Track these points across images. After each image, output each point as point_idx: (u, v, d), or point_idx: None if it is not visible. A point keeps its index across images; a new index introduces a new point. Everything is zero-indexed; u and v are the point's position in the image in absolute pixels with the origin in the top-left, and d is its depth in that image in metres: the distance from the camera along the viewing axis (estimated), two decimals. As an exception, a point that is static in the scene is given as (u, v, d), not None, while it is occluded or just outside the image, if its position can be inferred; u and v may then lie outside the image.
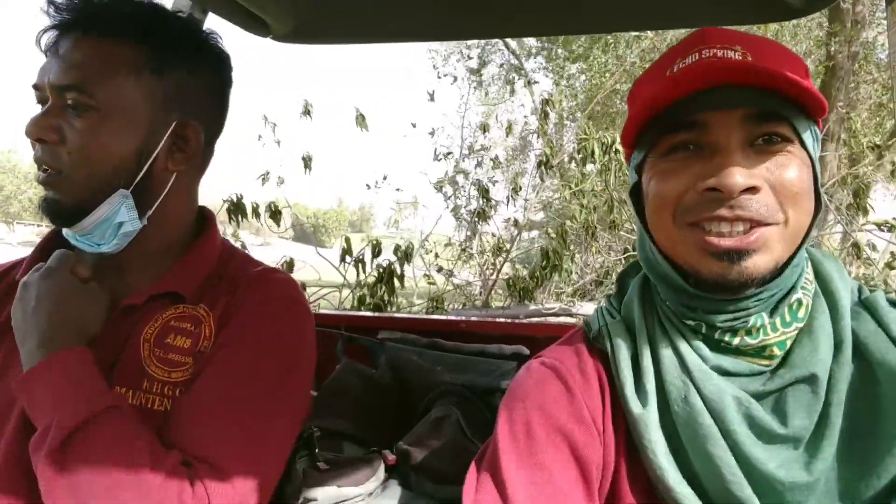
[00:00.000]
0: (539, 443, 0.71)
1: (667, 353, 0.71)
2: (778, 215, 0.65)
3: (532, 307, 3.72)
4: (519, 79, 4.35)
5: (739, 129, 0.66)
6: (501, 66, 4.32)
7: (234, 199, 3.53)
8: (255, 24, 1.47)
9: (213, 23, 1.44)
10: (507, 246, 4.35)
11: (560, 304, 3.89)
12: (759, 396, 0.68)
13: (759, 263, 0.65)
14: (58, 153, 0.83)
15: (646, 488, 0.70)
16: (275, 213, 3.85)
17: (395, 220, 4.84)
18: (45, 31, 0.86)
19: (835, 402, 0.66)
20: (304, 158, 4.09)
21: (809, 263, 0.74)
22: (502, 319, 2.05)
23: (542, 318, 3.19)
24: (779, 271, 0.68)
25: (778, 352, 0.69)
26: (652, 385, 0.70)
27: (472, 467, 0.75)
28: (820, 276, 0.74)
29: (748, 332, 0.69)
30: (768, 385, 0.68)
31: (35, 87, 0.85)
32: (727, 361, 0.70)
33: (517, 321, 1.93)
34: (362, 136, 4.22)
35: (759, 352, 0.70)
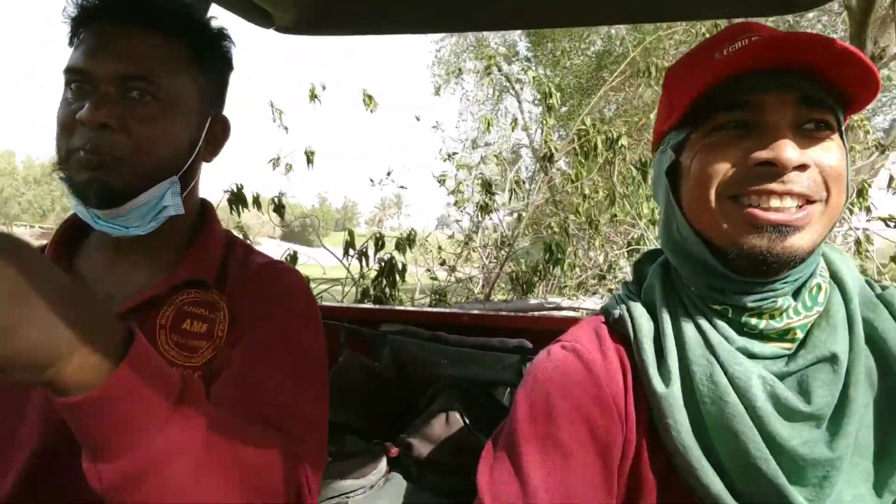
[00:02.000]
0: (558, 424, 0.71)
1: (691, 334, 0.72)
2: (822, 193, 0.67)
3: (534, 301, 3.72)
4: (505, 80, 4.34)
5: (792, 111, 0.67)
6: (487, 68, 4.31)
7: (235, 189, 3.51)
8: (258, 15, 1.46)
9: (215, 14, 1.44)
10: (509, 240, 4.34)
11: (563, 298, 3.89)
12: (782, 377, 0.69)
13: (802, 241, 0.66)
14: (118, 140, 0.84)
15: (666, 469, 0.71)
16: (279, 207, 3.83)
17: (379, 218, 4.84)
18: (89, 20, 0.87)
19: (853, 381, 0.67)
20: (306, 153, 4.07)
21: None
22: (505, 313, 2.04)
23: (545, 312, 3.19)
24: (812, 250, 0.69)
25: (800, 335, 0.71)
26: (675, 365, 0.71)
27: (488, 446, 0.76)
28: (830, 266, 0.77)
29: (772, 316, 0.70)
30: (791, 366, 0.69)
31: (81, 71, 0.86)
32: (751, 344, 0.71)
33: (520, 314, 1.93)
34: (366, 131, 4.22)
35: (783, 335, 0.71)
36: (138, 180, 0.86)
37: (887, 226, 3.83)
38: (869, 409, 0.69)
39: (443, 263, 4.36)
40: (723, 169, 0.69)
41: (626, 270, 4.30)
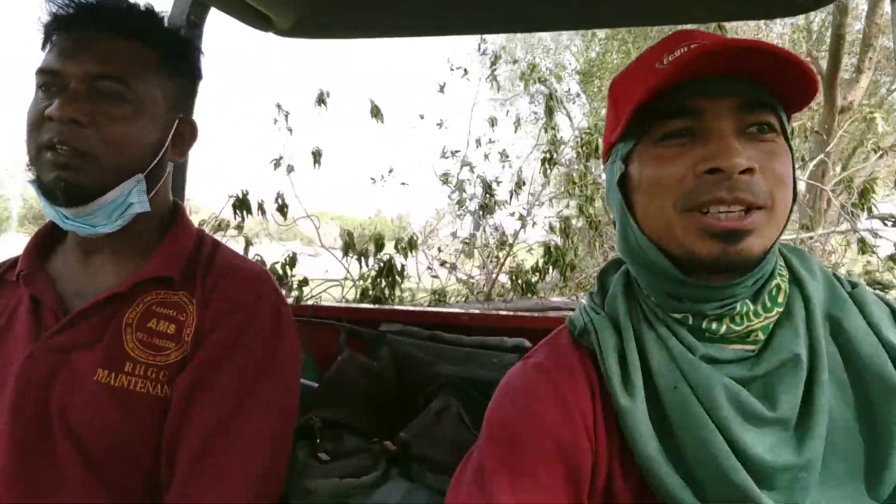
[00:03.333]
0: (524, 447, 0.71)
1: (653, 346, 0.72)
2: (768, 199, 0.67)
3: (534, 300, 3.72)
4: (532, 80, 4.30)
5: (732, 117, 0.69)
6: (515, 62, 4.30)
7: (240, 195, 3.51)
8: (257, 19, 1.48)
9: (216, 18, 1.45)
10: (511, 240, 4.35)
11: (563, 298, 3.89)
12: (746, 381, 0.69)
13: (753, 245, 0.67)
14: (88, 136, 0.87)
15: (639, 485, 0.70)
16: (281, 207, 3.82)
17: (432, 228, 4.79)
18: (64, 25, 0.90)
19: (818, 381, 0.68)
20: (313, 153, 4.05)
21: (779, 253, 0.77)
22: (504, 312, 2.05)
23: (544, 312, 3.19)
24: (764, 255, 0.70)
25: (762, 336, 0.72)
26: (639, 377, 0.71)
27: (461, 466, 0.77)
28: (790, 266, 0.77)
29: (733, 320, 0.71)
30: (755, 370, 0.70)
31: (53, 71, 0.88)
32: (713, 349, 0.71)
33: (519, 314, 1.94)
34: (373, 131, 4.21)
35: (744, 338, 0.72)
36: (105, 178, 0.89)
37: (885, 224, 3.83)
38: (845, 412, 0.69)
39: (443, 264, 4.36)
40: (672, 180, 0.69)
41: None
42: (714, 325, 0.71)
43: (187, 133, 1.02)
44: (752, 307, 0.71)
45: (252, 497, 0.86)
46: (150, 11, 0.96)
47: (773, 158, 0.69)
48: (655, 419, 0.70)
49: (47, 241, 1.00)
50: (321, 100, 4.08)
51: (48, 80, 0.89)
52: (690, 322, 0.72)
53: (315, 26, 1.55)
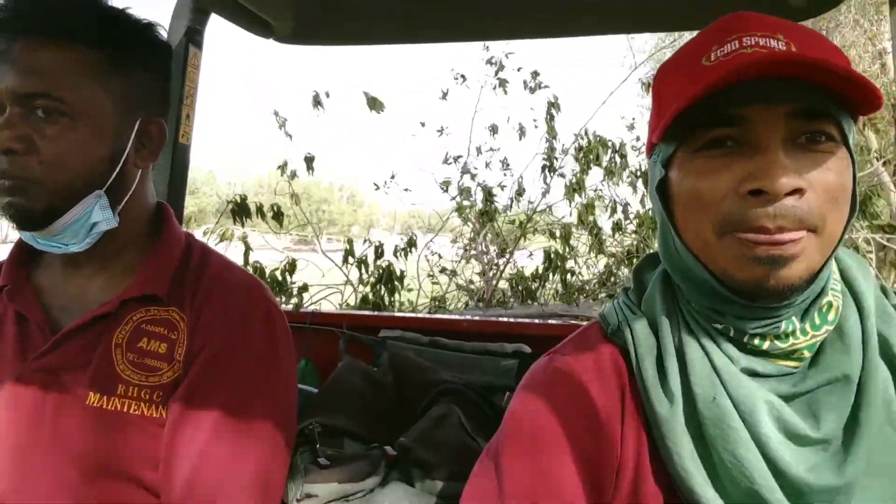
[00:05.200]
0: (545, 446, 0.69)
1: (694, 353, 0.68)
2: (817, 221, 0.62)
3: (535, 307, 3.72)
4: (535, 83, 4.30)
5: (783, 126, 0.62)
6: (519, 69, 4.30)
7: (239, 199, 3.50)
8: (257, 25, 1.48)
9: (216, 24, 1.46)
10: (511, 247, 4.35)
11: (562, 305, 3.89)
12: (789, 398, 0.66)
13: (795, 272, 0.62)
14: (27, 163, 0.81)
15: (668, 487, 0.67)
16: (277, 214, 3.81)
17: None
18: None
19: (865, 403, 0.63)
20: (306, 159, 4.05)
21: (834, 262, 0.71)
22: (504, 318, 2.06)
23: (545, 319, 3.19)
24: (812, 278, 0.65)
25: (808, 354, 0.67)
26: (678, 384, 0.67)
27: (479, 463, 0.74)
28: (845, 277, 0.72)
29: (777, 337, 0.66)
30: (799, 386, 0.66)
31: None
32: (756, 363, 0.67)
33: (519, 321, 1.94)
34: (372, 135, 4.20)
35: (789, 354, 0.67)
36: (57, 199, 0.83)
37: (884, 232, 3.83)
38: (885, 428, 0.64)
39: (443, 271, 4.36)
40: (714, 199, 0.64)
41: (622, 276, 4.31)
42: (757, 341, 0.67)
43: (155, 134, 0.93)
44: (798, 325, 0.66)
45: None
46: (90, 8, 0.87)
47: (827, 172, 0.62)
48: (690, 429, 0.66)
49: (27, 252, 0.95)
50: (317, 101, 4.03)
51: None
52: (732, 334, 0.68)
53: (315, 33, 1.55)
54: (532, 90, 4.27)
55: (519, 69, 4.28)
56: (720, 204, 0.63)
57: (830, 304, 0.68)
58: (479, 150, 4.45)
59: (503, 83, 4.28)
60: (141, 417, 0.84)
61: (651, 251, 0.83)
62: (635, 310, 0.76)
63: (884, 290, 0.72)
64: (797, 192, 0.60)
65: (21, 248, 0.94)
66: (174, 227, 0.99)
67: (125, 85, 0.88)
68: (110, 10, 0.89)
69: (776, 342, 0.66)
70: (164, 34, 0.96)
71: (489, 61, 4.28)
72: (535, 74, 4.26)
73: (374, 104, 4.05)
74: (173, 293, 0.91)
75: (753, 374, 0.66)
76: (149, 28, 0.93)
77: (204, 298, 0.91)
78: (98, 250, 0.90)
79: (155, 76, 0.93)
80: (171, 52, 0.98)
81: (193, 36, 1.38)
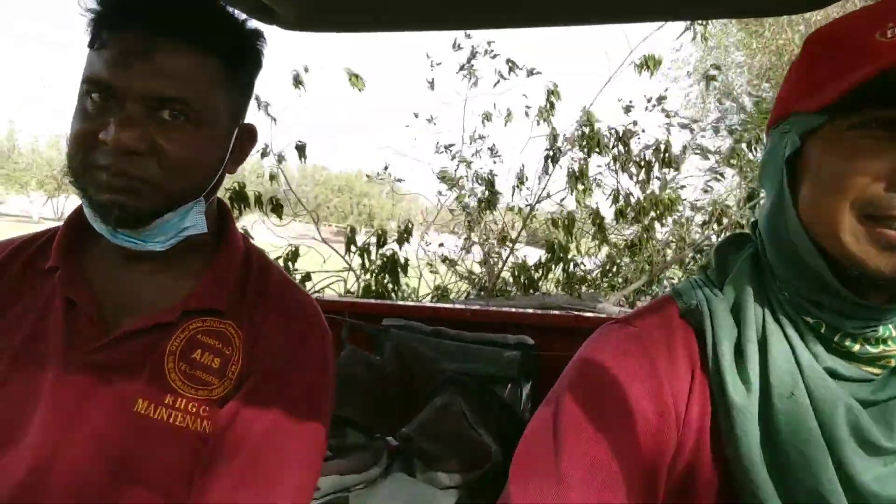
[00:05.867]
0: (606, 416, 0.66)
1: (777, 345, 0.65)
2: None
3: (538, 297, 3.72)
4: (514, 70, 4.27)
5: None
6: (495, 56, 4.24)
7: (237, 188, 3.49)
8: (261, 11, 1.46)
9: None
10: (513, 235, 4.34)
11: (565, 295, 3.89)
12: (867, 405, 0.64)
13: None
14: (147, 164, 0.79)
15: (724, 476, 0.66)
16: (276, 207, 3.79)
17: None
18: (116, 24, 0.80)
19: None
20: (297, 147, 4.00)
21: None
22: (507, 309, 2.05)
23: (548, 310, 3.19)
24: None
25: (893, 363, 0.66)
26: (756, 374, 0.65)
27: (531, 428, 0.70)
28: None
29: (868, 341, 0.65)
30: (878, 394, 0.64)
31: (104, 84, 0.78)
32: (839, 364, 0.65)
33: (521, 311, 1.93)
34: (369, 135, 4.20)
35: (875, 360, 0.65)
36: (165, 203, 0.82)
37: None
38: None
39: (444, 260, 4.36)
40: (862, 182, 0.60)
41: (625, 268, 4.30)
42: (848, 342, 0.64)
43: (246, 140, 0.92)
44: (894, 333, 0.64)
45: None
46: (215, 10, 0.86)
47: None
48: (761, 422, 0.64)
49: (79, 232, 0.91)
50: (298, 81, 3.90)
51: (100, 91, 0.79)
52: (822, 330, 0.65)
53: (320, 19, 1.53)
54: (515, 73, 4.23)
55: (494, 56, 4.22)
56: (867, 188, 0.60)
57: None
58: (471, 139, 4.43)
59: (472, 72, 4.28)
60: (186, 430, 0.82)
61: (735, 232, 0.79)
62: (716, 291, 0.73)
63: None
64: None
65: (71, 230, 0.91)
66: (234, 231, 0.97)
67: (238, 93, 0.87)
68: (233, 19, 0.88)
69: (867, 346, 0.64)
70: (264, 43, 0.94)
71: (454, 46, 4.26)
72: (510, 64, 4.23)
73: (356, 80, 4.00)
74: (232, 306, 0.89)
75: (834, 374, 0.64)
76: (257, 36, 0.91)
77: (262, 317, 0.89)
78: (164, 252, 0.87)
79: (252, 82, 0.92)
80: (262, 58, 0.95)
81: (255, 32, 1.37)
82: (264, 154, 3.97)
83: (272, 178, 4.13)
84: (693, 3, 1.42)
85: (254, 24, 0.91)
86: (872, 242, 0.60)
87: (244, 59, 0.88)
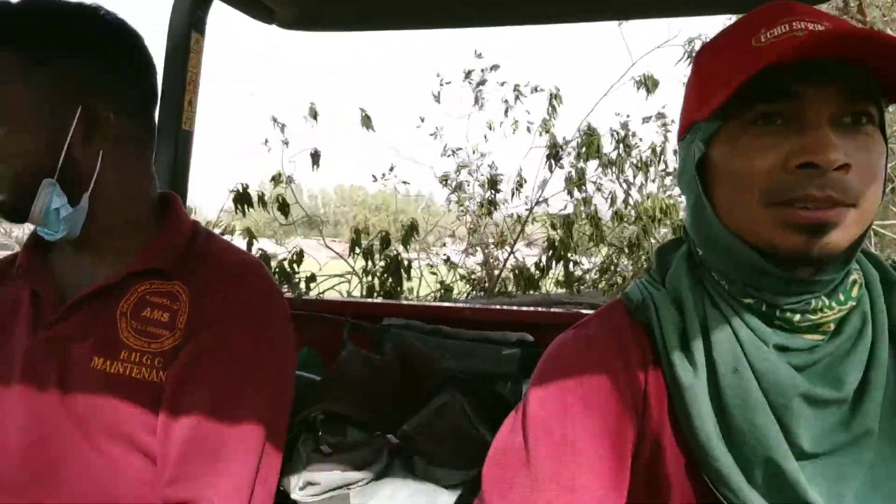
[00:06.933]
0: (571, 417, 0.70)
1: (718, 326, 0.70)
2: (858, 197, 0.64)
3: (539, 296, 3.72)
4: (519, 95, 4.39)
5: (833, 105, 0.64)
6: (503, 84, 4.36)
7: (241, 189, 3.51)
8: (260, 10, 1.47)
9: (218, 10, 1.45)
10: (512, 238, 4.35)
11: (566, 293, 3.89)
12: (810, 364, 0.68)
13: (837, 239, 0.64)
14: None
15: (687, 464, 0.70)
16: (283, 206, 3.83)
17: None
18: None
19: (877, 363, 0.68)
20: (312, 155, 4.07)
21: None
22: (507, 307, 2.06)
23: (549, 307, 3.19)
24: (850, 254, 0.68)
25: (832, 327, 0.70)
26: (701, 355, 0.70)
27: (500, 434, 0.76)
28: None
29: (806, 311, 0.69)
30: (819, 353, 0.69)
31: None
32: (785, 338, 0.69)
33: (521, 309, 1.93)
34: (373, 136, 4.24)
35: (817, 327, 0.70)
36: (19, 193, 0.90)
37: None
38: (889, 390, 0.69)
39: (446, 261, 4.37)
40: (763, 172, 0.66)
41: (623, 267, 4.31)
42: (787, 315, 0.69)
43: (102, 115, 0.93)
44: (827, 301, 0.69)
45: (248, 482, 0.87)
46: (10, 7, 0.91)
47: (869, 152, 0.65)
48: (713, 401, 0.69)
49: (41, 238, 0.99)
50: (314, 115, 4.21)
51: None
52: (763, 308, 0.70)
53: (318, 19, 1.54)
54: (518, 98, 4.33)
55: (503, 84, 4.36)
56: (768, 178, 0.65)
57: (855, 281, 0.72)
58: (474, 151, 4.51)
59: (478, 100, 4.41)
60: (142, 381, 0.88)
61: (670, 239, 0.86)
62: (658, 287, 0.78)
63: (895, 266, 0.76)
64: (844, 167, 0.63)
65: (35, 235, 1.00)
66: (181, 214, 1.03)
67: (50, 76, 0.90)
68: (22, 5, 0.92)
69: (807, 315, 0.69)
70: (101, 19, 0.96)
71: (467, 75, 4.40)
72: (517, 90, 4.34)
73: (367, 122, 4.16)
74: (176, 269, 0.96)
75: (779, 348, 0.69)
76: (72, 17, 0.94)
77: (207, 275, 0.95)
78: (94, 237, 0.95)
79: (97, 63, 0.94)
80: (122, 28, 0.98)
81: (196, 21, 1.37)
82: (279, 181, 4.00)
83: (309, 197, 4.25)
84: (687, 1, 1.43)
85: (54, 3, 0.94)
86: (781, 226, 0.65)
87: (41, 42, 0.91)
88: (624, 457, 0.70)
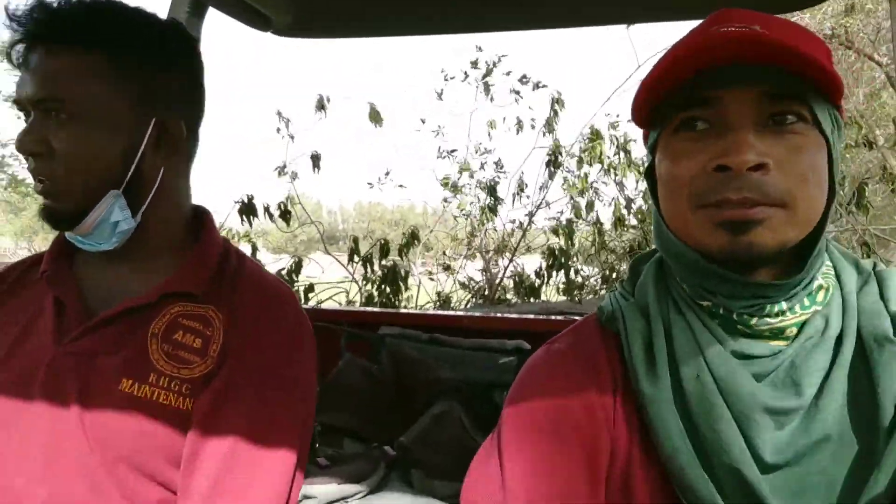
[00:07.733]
0: (543, 433, 0.71)
1: (680, 334, 0.71)
2: (784, 197, 0.64)
3: (539, 304, 3.71)
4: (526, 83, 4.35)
5: (753, 107, 0.65)
6: (508, 73, 4.32)
7: (246, 200, 3.51)
8: (255, 18, 1.47)
9: (214, 18, 1.44)
10: (512, 244, 4.34)
11: (566, 300, 3.88)
12: (773, 371, 0.68)
13: (762, 238, 0.64)
14: (48, 164, 0.86)
15: (660, 476, 0.69)
16: (285, 213, 3.82)
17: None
18: (12, 45, 0.88)
19: (838, 365, 0.67)
20: (312, 157, 4.06)
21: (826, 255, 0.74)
22: (504, 315, 2.04)
23: (546, 315, 3.17)
24: (794, 258, 0.68)
25: (795, 331, 0.69)
26: (665, 365, 0.70)
27: (478, 455, 0.76)
28: (833, 261, 0.75)
29: (765, 316, 0.68)
30: (779, 358, 0.68)
31: (16, 102, 0.88)
32: (744, 344, 0.69)
33: (518, 316, 1.92)
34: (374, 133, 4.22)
35: (778, 333, 0.69)
36: (80, 199, 0.87)
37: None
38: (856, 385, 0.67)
39: (446, 268, 4.36)
40: (687, 177, 0.67)
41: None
42: (745, 317, 0.69)
43: (174, 130, 0.94)
44: (786, 306, 0.68)
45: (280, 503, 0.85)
46: (86, 8, 0.89)
47: (798, 153, 0.65)
48: (679, 409, 0.68)
49: (68, 244, 0.97)
50: (321, 105, 4.09)
51: (19, 108, 0.89)
52: (721, 312, 0.70)
53: (314, 26, 1.54)
54: (524, 87, 4.30)
55: (508, 73, 4.33)
56: (693, 182, 0.66)
57: (821, 286, 0.71)
58: (476, 150, 4.47)
59: (488, 88, 4.37)
60: (168, 407, 0.85)
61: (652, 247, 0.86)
62: (628, 297, 0.79)
63: (869, 264, 0.75)
64: (761, 168, 0.63)
65: (63, 241, 0.98)
66: (213, 233, 1.01)
67: (135, 84, 0.90)
68: (112, 13, 0.92)
69: (767, 319, 0.68)
70: (184, 34, 0.98)
71: (474, 65, 4.35)
72: (524, 79, 4.31)
73: (375, 117, 4.13)
74: (210, 292, 0.94)
75: (740, 355, 0.68)
76: (167, 30, 0.95)
77: (240, 303, 0.93)
78: (131, 251, 0.93)
79: (173, 75, 0.95)
80: (195, 47, 0.99)
81: (191, 29, 1.37)
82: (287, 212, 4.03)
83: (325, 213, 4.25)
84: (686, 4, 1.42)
85: (146, 14, 0.94)
86: (708, 226, 0.66)
87: (134, 52, 0.91)
88: (597, 471, 0.71)
